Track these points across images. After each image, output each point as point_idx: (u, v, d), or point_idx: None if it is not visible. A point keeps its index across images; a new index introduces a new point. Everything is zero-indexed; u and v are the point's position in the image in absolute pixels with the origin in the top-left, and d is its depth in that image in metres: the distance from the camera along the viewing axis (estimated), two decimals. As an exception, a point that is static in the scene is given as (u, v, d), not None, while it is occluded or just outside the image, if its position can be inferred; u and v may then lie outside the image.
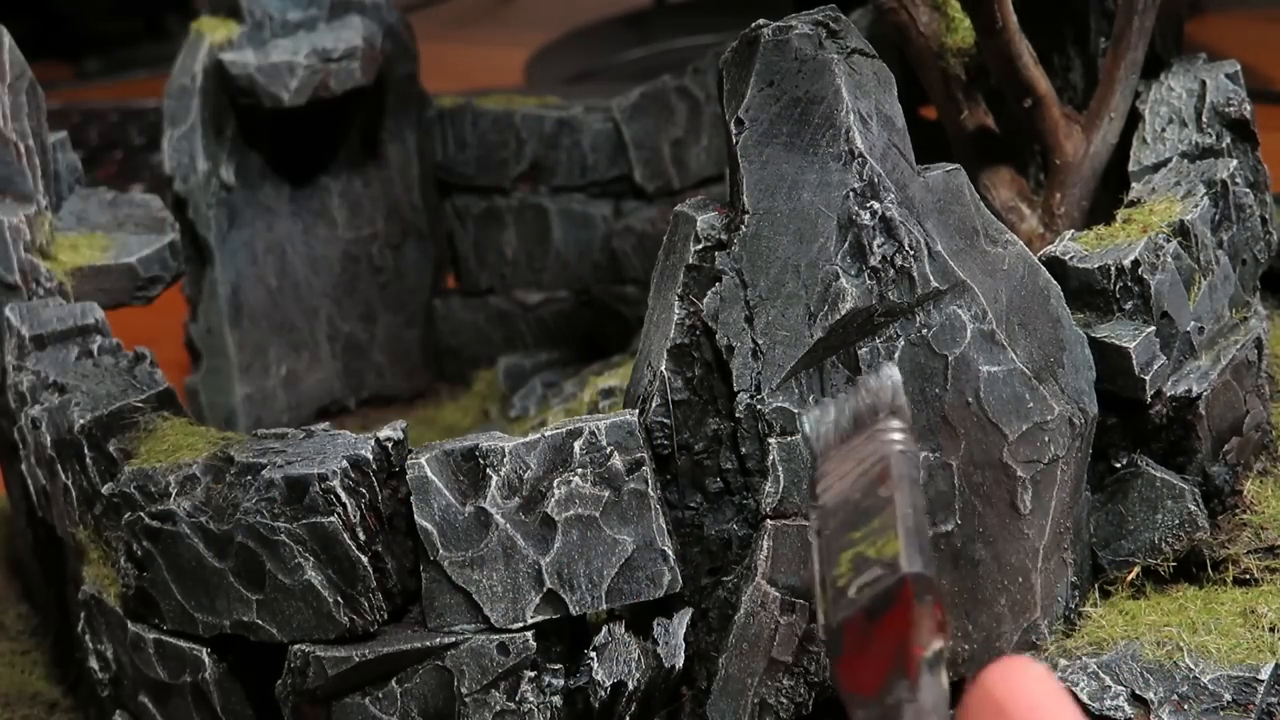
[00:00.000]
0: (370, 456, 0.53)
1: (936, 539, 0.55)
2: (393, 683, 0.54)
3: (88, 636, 0.61)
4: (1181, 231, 0.59)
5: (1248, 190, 0.62)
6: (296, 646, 0.54)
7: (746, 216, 0.53)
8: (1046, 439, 0.55)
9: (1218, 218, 0.61)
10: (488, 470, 0.53)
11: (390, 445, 0.54)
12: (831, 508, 0.42)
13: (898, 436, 0.42)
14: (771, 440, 0.54)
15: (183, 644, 0.56)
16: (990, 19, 0.62)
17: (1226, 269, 0.60)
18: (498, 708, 0.54)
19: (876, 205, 0.52)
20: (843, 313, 0.52)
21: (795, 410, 0.53)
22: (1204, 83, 0.66)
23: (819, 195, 0.53)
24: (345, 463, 0.53)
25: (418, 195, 0.96)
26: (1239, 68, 0.67)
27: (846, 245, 0.52)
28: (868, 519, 0.41)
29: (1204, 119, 0.64)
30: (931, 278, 0.53)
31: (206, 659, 0.56)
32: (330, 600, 0.53)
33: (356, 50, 0.90)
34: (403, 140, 0.95)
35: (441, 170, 0.96)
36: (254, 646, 0.56)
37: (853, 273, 0.52)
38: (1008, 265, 0.55)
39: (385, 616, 0.54)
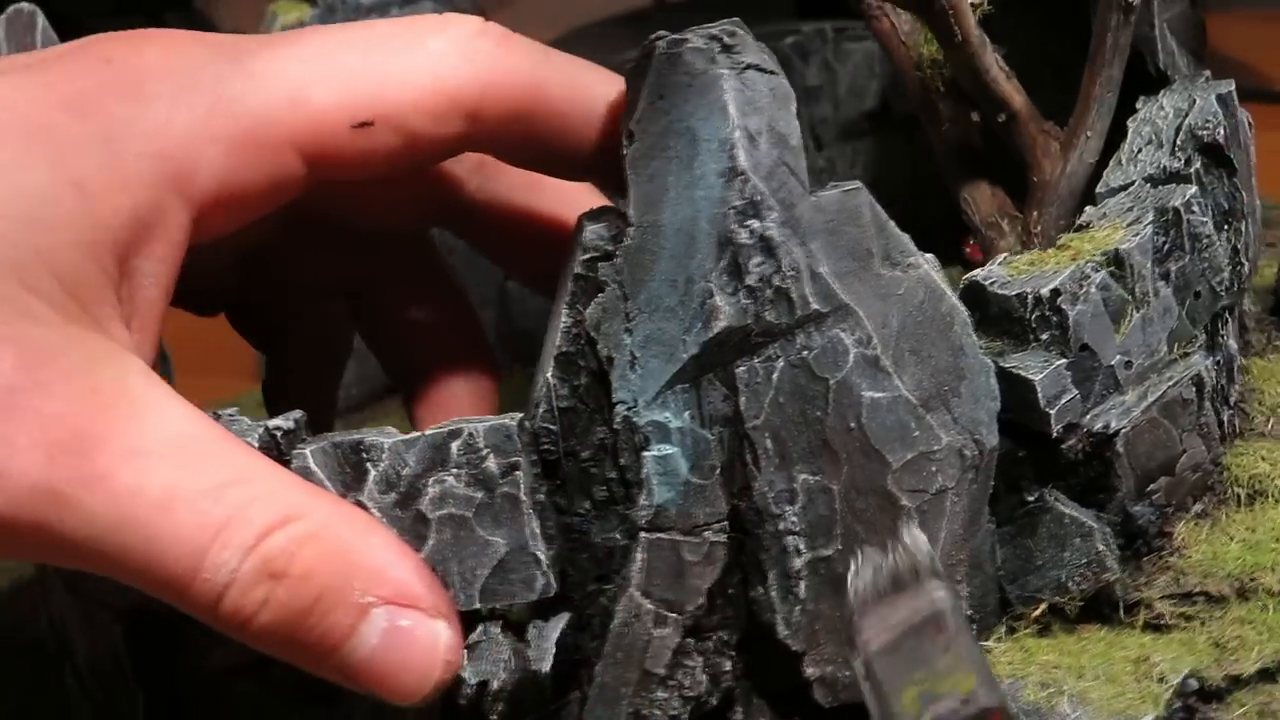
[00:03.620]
0: (256, 444, 0.54)
1: (816, 563, 0.54)
2: (275, 667, 0.56)
3: (40, 598, 0.64)
4: (1115, 260, 0.57)
5: (1205, 219, 0.59)
6: (188, 625, 0.56)
7: (631, 229, 0.53)
8: (933, 469, 0.54)
9: (1167, 247, 0.58)
10: (367, 464, 0.54)
11: (280, 434, 0.55)
12: (881, 653, 0.47)
13: (942, 594, 0.48)
14: (646, 454, 0.54)
15: (101, 614, 0.59)
16: (948, 32, 0.61)
17: (1168, 302, 0.58)
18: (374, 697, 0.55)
19: (756, 224, 0.52)
20: (716, 330, 0.52)
21: (670, 424, 0.53)
22: (1193, 102, 0.63)
23: (700, 211, 0.52)
24: (230, 449, 0.54)
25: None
26: (1233, 88, 0.64)
27: (724, 263, 0.52)
28: (928, 663, 0.45)
29: (1178, 142, 0.61)
30: (812, 300, 0.52)
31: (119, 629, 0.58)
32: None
33: (422, 33, 0.91)
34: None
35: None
36: (162, 621, 0.58)
37: (728, 291, 0.52)
38: (905, 289, 0.54)
39: (269, 600, 0.55)
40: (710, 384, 0.53)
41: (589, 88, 0.56)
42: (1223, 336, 0.62)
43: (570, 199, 0.62)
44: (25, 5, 0.73)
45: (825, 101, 0.92)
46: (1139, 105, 0.66)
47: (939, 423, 0.54)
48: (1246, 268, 0.62)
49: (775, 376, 0.53)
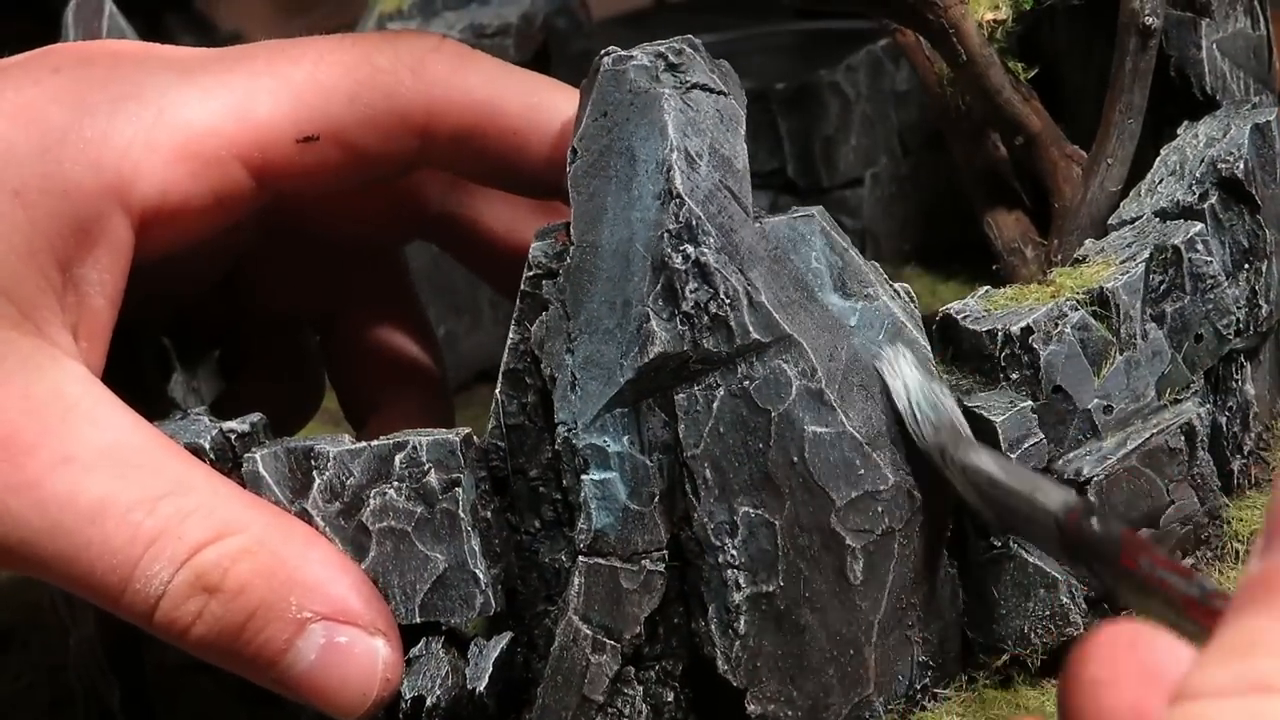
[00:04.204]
0: (207, 446, 0.55)
1: (757, 598, 0.52)
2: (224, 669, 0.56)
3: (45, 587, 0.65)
4: (1099, 300, 0.54)
5: (1211, 258, 0.56)
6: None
7: (572, 248, 0.52)
8: (880, 509, 0.52)
9: (1164, 286, 0.55)
10: (313, 472, 0.54)
11: (234, 437, 0.55)
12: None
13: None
14: (585, 478, 0.53)
15: (83, 607, 0.60)
16: (952, 52, 0.58)
17: (1158, 345, 0.55)
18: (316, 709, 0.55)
19: (691, 249, 0.50)
20: (651, 356, 0.51)
21: (608, 448, 0.52)
22: (1228, 131, 0.60)
23: (636, 233, 0.51)
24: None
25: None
26: (1273, 117, 0.60)
27: (659, 287, 0.51)
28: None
29: (1197, 174, 0.58)
30: (752, 329, 0.51)
31: (92, 617, 0.59)
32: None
33: (510, 27, 0.91)
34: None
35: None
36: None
37: (664, 316, 0.51)
38: (857, 321, 0.52)
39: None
40: (650, 410, 0.52)
41: (547, 106, 0.55)
42: (1236, 382, 0.58)
43: (544, 218, 0.61)
44: (94, -8, 0.74)
45: (913, 107, 0.90)
46: (1180, 131, 0.62)
47: (886, 461, 0.52)
48: (1266, 310, 0.58)
49: (715, 405, 0.51)
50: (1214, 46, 0.64)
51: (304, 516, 0.54)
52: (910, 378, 0.51)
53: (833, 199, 0.90)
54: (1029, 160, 0.62)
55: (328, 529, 0.54)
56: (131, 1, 0.72)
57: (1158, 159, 0.60)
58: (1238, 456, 0.59)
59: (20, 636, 0.75)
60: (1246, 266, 0.58)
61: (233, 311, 0.66)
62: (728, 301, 0.50)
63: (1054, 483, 0.43)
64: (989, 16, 0.60)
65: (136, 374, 0.62)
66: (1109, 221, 0.59)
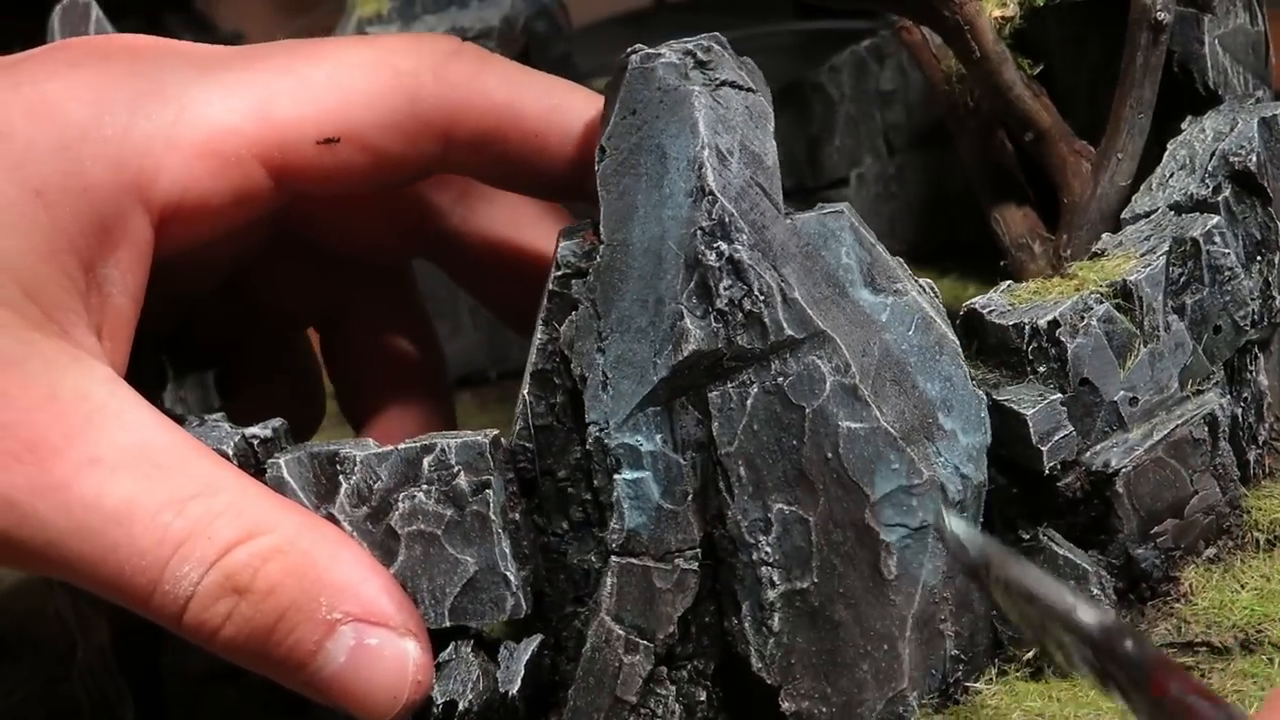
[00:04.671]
0: (231, 452, 0.54)
1: (791, 595, 0.52)
2: (251, 675, 0.55)
3: (48, 596, 0.64)
4: (1123, 293, 0.54)
5: (1228, 250, 0.56)
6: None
7: (602, 246, 0.52)
8: (914, 504, 0.52)
9: (1183, 279, 0.56)
10: (340, 477, 0.54)
11: (256, 442, 0.55)
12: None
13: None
14: (618, 477, 0.52)
15: (90, 610, 0.59)
16: (965, 47, 0.59)
17: (1180, 336, 0.55)
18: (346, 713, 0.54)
19: (724, 246, 0.50)
20: (685, 354, 0.51)
21: (641, 448, 0.52)
22: (1235, 125, 0.60)
23: (668, 231, 0.51)
24: (207, 456, 0.54)
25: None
26: (1279, 111, 0.61)
27: (693, 285, 0.51)
28: None
29: (1209, 168, 0.58)
30: (786, 325, 0.51)
31: (105, 627, 0.59)
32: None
33: (492, 30, 0.91)
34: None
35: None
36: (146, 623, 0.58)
37: (698, 314, 0.51)
38: (888, 316, 0.52)
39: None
40: (683, 408, 0.52)
41: (567, 108, 0.55)
42: (1251, 373, 0.59)
43: (547, 232, 0.61)
44: (80, -3, 0.74)
45: (898, 106, 0.90)
46: (1184, 126, 0.63)
47: (921, 456, 0.52)
48: (1279, 301, 0.59)
49: (749, 402, 0.51)
50: (1216, 42, 0.64)
51: (330, 521, 0.53)
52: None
53: (818, 199, 0.90)
54: (1038, 156, 0.62)
55: (355, 533, 0.53)
56: (131, 1, 0.71)
57: (1166, 153, 0.61)
58: (1253, 447, 0.59)
59: (13, 648, 0.74)
60: (1259, 258, 0.58)
61: (236, 315, 0.65)
62: (761, 298, 0.50)
63: (1090, 601, 0.43)
64: (998, 13, 0.60)
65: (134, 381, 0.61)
66: (1122, 216, 0.59)
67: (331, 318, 0.66)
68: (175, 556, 0.49)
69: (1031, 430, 0.53)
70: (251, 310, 0.65)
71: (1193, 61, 0.64)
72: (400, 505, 0.53)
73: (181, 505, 0.49)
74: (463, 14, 0.92)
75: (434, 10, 0.94)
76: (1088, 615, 0.42)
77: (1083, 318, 0.53)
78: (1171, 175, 0.60)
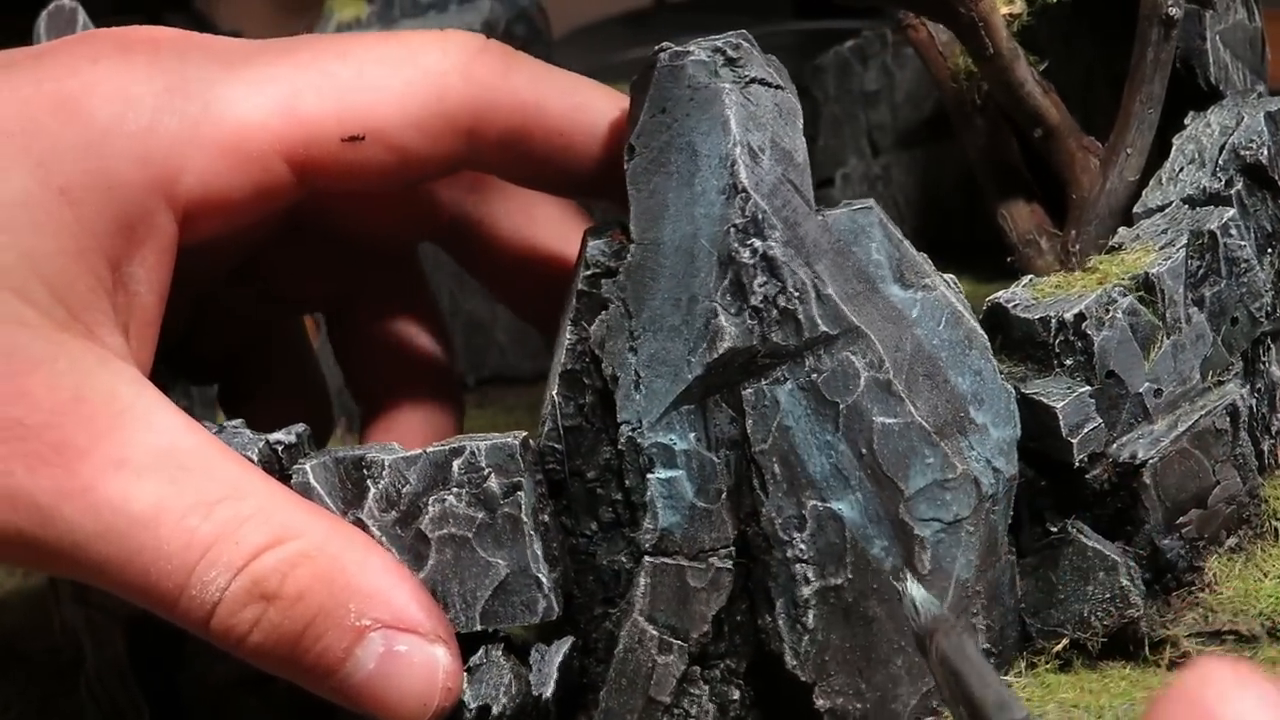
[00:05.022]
0: (255, 458, 0.54)
1: (825, 592, 0.52)
2: (277, 683, 0.55)
3: (53, 606, 0.63)
4: (1145, 285, 0.55)
5: (1244, 243, 0.57)
6: (191, 638, 0.55)
7: (632, 245, 0.52)
8: (948, 498, 0.52)
9: (1202, 271, 0.56)
10: (368, 481, 0.53)
11: (281, 448, 0.54)
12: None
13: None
14: (651, 476, 0.52)
15: (104, 621, 0.58)
16: (980, 44, 0.59)
17: (1201, 328, 0.56)
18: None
19: (758, 243, 0.50)
20: (720, 351, 0.51)
21: (675, 446, 0.52)
22: (1240, 120, 0.61)
23: (701, 229, 0.51)
24: (231, 463, 0.54)
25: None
26: (1285, 106, 0.62)
27: (727, 282, 0.50)
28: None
29: (1220, 161, 0.59)
30: (820, 321, 0.51)
31: (121, 638, 0.58)
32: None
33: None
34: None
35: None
36: (164, 631, 0.57)
37: (733, 311, 0.51)
38: (919, 312, 0.52)
39: (270, 616, 0.55)
40: (717, 405, 0.52)
41: (591, 106, 0.55)
42: (1264, 364, 0.59)
43: (563, 228, 0.61)
44: (66, 2, 0.73)
45: (883, 107, 0.90)
46: (1187, 121, 0.63)
47: (954, 450, 0.52)
48: (1293, 292, 0.59)
49: (783, 399, 0.51)
50: (1217, 38, 0.65)
51: (359, 526, 0.53)
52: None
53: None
54: (1046, 153, 0.62)
55: (384, 538, 0.53)
56: (131, 1, 0.70)
57: (1174, 148, 0.61)
58: (1266, 437, 0.60)
59: (2, 663, 0.73)
60: (1270, 250, 0.59)
61: (241, 314, 0.65)
62: (796, 294, 0.50)
63: (1010, 699, 0.42)
64: (1005, 10, 0.61)
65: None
66: (1134, 210, 0.60)
67: (342, 303, 0.66)
68: (202, 561, 0.49)
69: (1061, 423, 0.53)
70: (258, 302, 0.65)
71: (1195, 57, 0.65)
72: (430, 509, 0.53)
73: (209, 509, 0.49)
74: (442, 18, 0.92)
75: (413, 14, 0.93)
76: (999, 714, 0.42)
77: (1108, 310, 0.54)
78: (1181, 170, 0.60)
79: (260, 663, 0.51)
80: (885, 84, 0.90)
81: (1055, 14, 0.72)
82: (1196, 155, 0.60)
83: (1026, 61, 0.61)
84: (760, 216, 0.50)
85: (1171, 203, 0.59)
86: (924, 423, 0.52)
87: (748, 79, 0.51)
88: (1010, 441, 0.53)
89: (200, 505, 0.49)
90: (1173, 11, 0.58)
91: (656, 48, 0.52)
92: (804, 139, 0.52)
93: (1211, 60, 0.65)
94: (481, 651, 0.54)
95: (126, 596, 0.50)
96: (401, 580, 0.51)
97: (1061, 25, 0.73)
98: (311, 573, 0.50)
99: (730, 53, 0.51)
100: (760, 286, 0.50)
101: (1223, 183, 0.58)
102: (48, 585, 0.64)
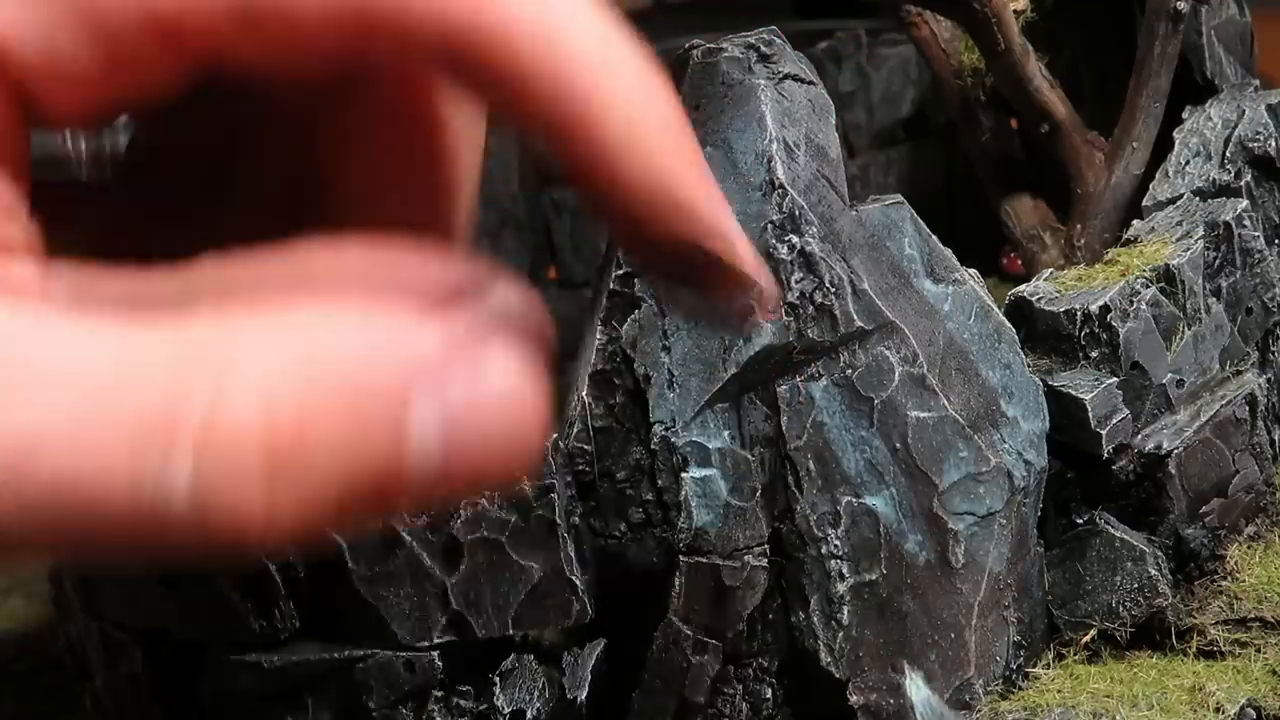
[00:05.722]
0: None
1: (860, 587, 0.52)
2: (305, 693, 0.54)
3: (58, 619, 0.62)
4: (1166, 277, 0.55)
5: (1257, 234, 0.58)
6: (213, 649, 0.54)
7: (666, 243, 0.51)
8: (981, 491, 0.52)
9: (1218, 262, 0.57)
10: (397, 487, 0.52)
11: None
12: None
13: None
14: (685, 475, 0.52)
15: (119, 635, 0.57)
16: (991, 41, 0.59)
17: (1220, 319, 0.56)
18: None
19: (795, 239, 0.50)
20: (757, 349, 0.50)
21: (709, 445, 0.52)
22: (1242, 113, 0.62)
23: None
24: (257, 470, 0.53)
25: (516, 184, 0.96)
26: (1282, 99, 0.62)
27: (763, 279, 0.50)
28: None
29: (1227, 154, 0.60)
30: (856, 317, 0.51)
31: (138, 652, 0.57)
32: (241, 606, 0.53)
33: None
34: (503, 128, 0.95)
35: (540, 161, 0.96)
36: (184, 644, 0.56)
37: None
38: (950, 306, 0.52)
39: (297, 625, 0.54)
40: (751, 403, 0.52)
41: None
42: (1274, 353, 0.60)
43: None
44: None
45: (859, 108, 0.91)
46: (1185, 115, 0.64)
47: (987, 443, 0.52)
48: (1301, 282, 0.60)
49: (818, 395, 0.51)
50: (1213, 33, 0.66)
51: (390, 533, 0.52)
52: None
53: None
54: (1052, 148, 0.63)
55: (415, 544, 0.52)
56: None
57: (1177, 141, 0.62)
58: (1277, 426, 0.60)
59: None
60: (1278, 241, 0.59)
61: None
62: (833, 290, 0.50)
63: None
64: (1010, 7, 0.61)
65: None
66: (1144, 203, 0.60)
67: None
68: None
69: (1090, 414, 0.53)
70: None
71: (1192, 52, 0.66)
72: (461, 513, 0.52)
73: None
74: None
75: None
76: None
77: (1132, 301, 0.54)
78: (1187, 162, 0.61)
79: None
80: (860, 85, 0.90)
81: (1045, 13, 0.73)
82: (1201, 148, 0.61)
83: (1035, 57, 0.61)
84: (797, 212, 0.50)
85: (1182, 195, 0.59)
86: (957, 416, 0.52)
87: (781, 75, 0.51)
88: (1040, 434, 0.53)
89: None
90: (1181, 5, 0.59)
91: (688, 45, 0.52)
92: (836, 135, 0.52)
93: (1208, 55, 0.66)
94: (512, 657, 0.53)
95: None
96: None
97: (1047, 21, 0.74)
98: None
99: (763, 49, 0.51)
100: (797, 282, 0.50)
101: (1232, 174, 0.59)
102: (53, 599, 0.63)
